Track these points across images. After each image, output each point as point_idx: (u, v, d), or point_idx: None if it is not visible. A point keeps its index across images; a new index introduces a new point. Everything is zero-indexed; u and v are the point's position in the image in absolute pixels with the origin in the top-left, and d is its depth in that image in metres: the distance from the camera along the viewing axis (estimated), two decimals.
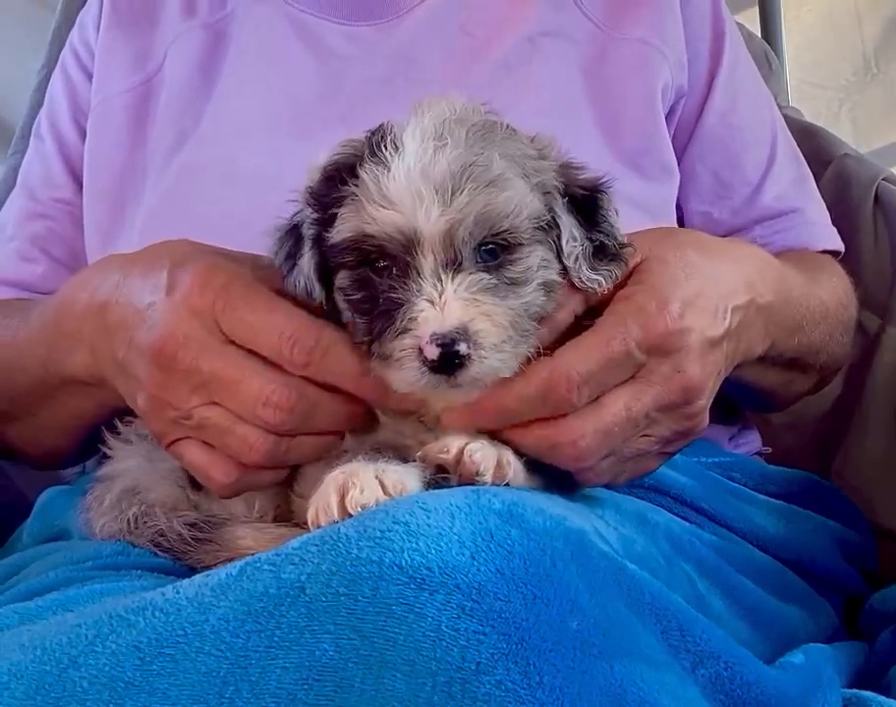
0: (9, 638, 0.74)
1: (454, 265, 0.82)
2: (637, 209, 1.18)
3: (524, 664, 0.63)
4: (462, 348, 0.79)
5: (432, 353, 0.79)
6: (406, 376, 0.82)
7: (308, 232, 0.88)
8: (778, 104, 1.48)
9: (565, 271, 0.87)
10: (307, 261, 0.88)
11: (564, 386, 0.83)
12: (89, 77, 1.39)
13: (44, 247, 1.36)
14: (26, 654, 0.70)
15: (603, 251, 0.88)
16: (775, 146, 1.34)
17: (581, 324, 0.89)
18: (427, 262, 0.81)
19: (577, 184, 0.89)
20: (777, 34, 1.98)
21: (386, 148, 0.83)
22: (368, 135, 0.87)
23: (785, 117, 1.45)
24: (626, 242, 0.89)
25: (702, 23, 1.33)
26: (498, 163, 0.83)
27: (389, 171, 0.82)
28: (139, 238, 1.23)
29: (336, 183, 0.86)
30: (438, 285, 0.81)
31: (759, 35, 1.94)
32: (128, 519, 0.99)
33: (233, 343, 0.89)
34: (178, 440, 0.93)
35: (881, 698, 0.86)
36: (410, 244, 0.82)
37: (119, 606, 0.72)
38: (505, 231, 0.83)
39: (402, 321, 0.81)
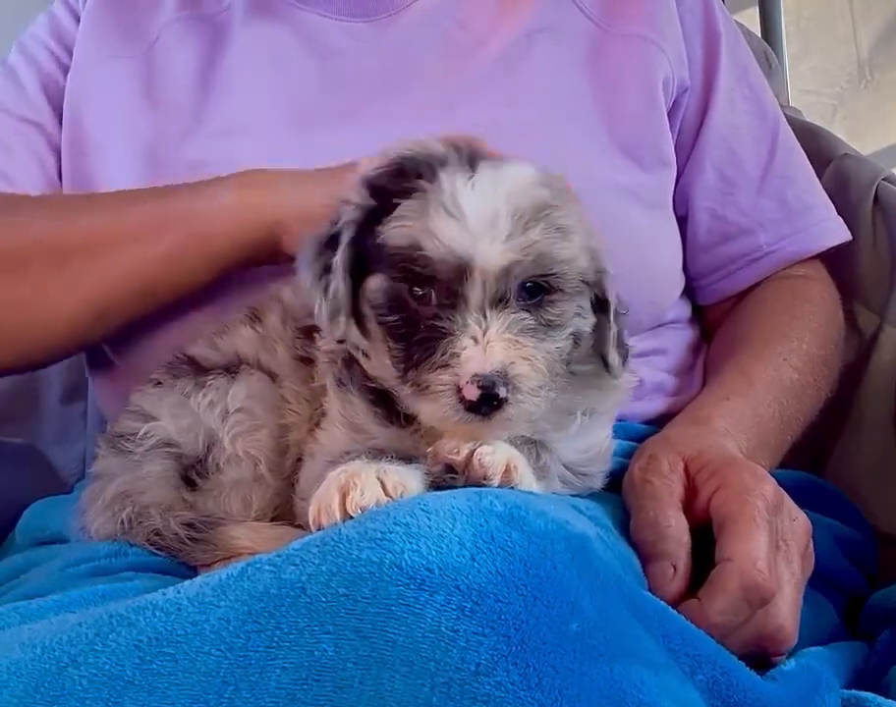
0: (9, 637, 0.73)
1: (500, 301, 0.80)
2: (634, 200, 1.19)
3: (523, 665, 0.63)
4: (501, 391, 0.78)
5: (472, 393, 0.78)
6: (438, 410, 0.81)
7: (351, 218, 0.86)
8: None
9: (597, 326, 0.88)
10: (341, 282, 0.85)
11: (760, 578, 0.85)
12: (76, 18, 1.34)
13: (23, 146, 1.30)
14: (25, 652, 0.70)
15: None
16: (776, 143, 1.34)
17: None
18: (475, 294, 0.79)
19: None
20: (777, 34, 1.97)
21: (472, 160, 0.82)
22: (453, 142, 0.86)
23: (785, 117, 1.45)
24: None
25: (695, 20, 1.33)
26: (572, 214, 0.83)
27: (472, 178, 0.80)
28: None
29: (409, 175, 0.83)
30: (483, 321, 0.79)
31: (759, 35, 1.94)
32: (122, 520, 0.99)
33: None
34: None
35: (880, 699, 0.85)
36: (461, 271, 0.80)
37: (120, 606, 0.72)
38: (553, 274, 0.82)
39: (442, 355, 0.79)
